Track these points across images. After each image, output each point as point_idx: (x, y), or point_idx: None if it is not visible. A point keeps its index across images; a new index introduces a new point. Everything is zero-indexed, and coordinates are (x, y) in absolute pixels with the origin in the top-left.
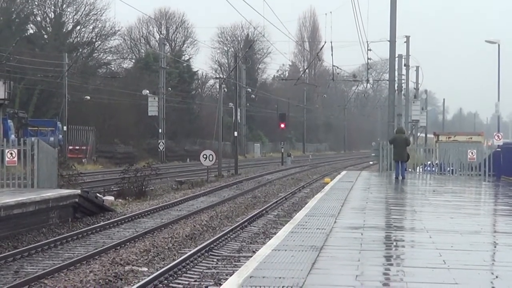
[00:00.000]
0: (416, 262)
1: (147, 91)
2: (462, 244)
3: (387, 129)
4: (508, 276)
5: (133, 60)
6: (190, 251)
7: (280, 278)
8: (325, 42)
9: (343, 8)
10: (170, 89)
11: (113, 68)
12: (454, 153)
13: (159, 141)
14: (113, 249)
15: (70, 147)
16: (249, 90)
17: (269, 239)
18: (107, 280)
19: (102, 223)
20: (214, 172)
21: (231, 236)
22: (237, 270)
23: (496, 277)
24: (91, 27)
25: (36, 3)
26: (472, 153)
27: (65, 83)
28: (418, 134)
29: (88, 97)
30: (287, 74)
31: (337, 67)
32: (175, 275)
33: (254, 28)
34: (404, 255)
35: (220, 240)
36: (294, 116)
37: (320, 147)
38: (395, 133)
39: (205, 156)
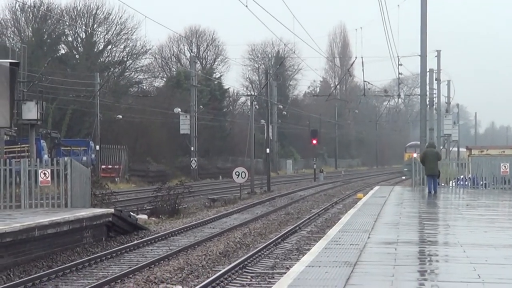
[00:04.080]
0: (451, 277)
1: (179, 109)
2: (496, 258)
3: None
4: None
5: (164, 79)
6: (224, 268)
7: None
8: (356, 57)
9: (373, 23)
10: (201, 107)
11: (144, 87)
12: (487, 166)
13: (191, 159)
14: (147, 268)
15: (103, 166)
16: (281, 106)
17: (303, 256)
18: None
19: (135, 241)
20: (246, 189)
21: (265, 253)
22: (271, 287)
23: None
24: (122, 47)
25: (67, 23)
26: (505, 166)
27: (97, 103)
28: (451, 148)
29: (120, 116)
30: (318, 90)
31: (368, 83)
32: None
33: (284, 44)
34: (438, 270)
35: (253, 257)
36: (326, 132)
37: (352, 162)
38: (426, 147)
39: (237, 173)
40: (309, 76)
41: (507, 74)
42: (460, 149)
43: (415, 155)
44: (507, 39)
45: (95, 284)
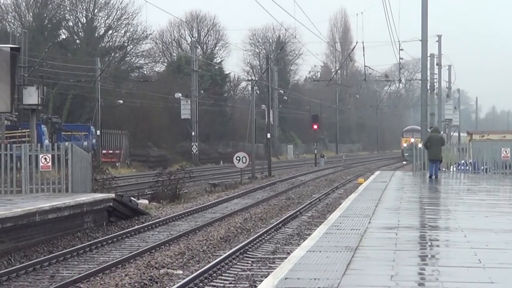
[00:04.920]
0: (451, 262)
1: (180, 94)
2: (497, 243)
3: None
4: None
5: (165, 64)
6: (225, 253)
7: (315, 279)
8: (357, 42)
9: (374, 8)
10: (202, 92)
11: (145, 72)
12: (487, 151)
13: (192, 144)
14: (148, 253)
15: (104, 151)
16: (281, 91)
17: (304, 241)
18: (142, 284)
19: (136, 226)
20: (247, 174)
21: (266, 238)
22: (272, 271)
23: None
24: (123, 31)
25: (68, 8)
26: (506, 151)
27: (98, 88)
28: (451, 133)
29: (121, 101)
30: (319, 75)
31: (369, 68)
32: (210, 278)
33: (285, 29)
34: (439, 255)
35: (254, 242)
36: (327, 117)
37: (353, 147)
38: (430, 132)
39: (238, 158)
40: (310, 61)
41: (508, 59)
42: (461, 134)
43: (412, 140)
44: (507, 39)
45: (96, 269)
